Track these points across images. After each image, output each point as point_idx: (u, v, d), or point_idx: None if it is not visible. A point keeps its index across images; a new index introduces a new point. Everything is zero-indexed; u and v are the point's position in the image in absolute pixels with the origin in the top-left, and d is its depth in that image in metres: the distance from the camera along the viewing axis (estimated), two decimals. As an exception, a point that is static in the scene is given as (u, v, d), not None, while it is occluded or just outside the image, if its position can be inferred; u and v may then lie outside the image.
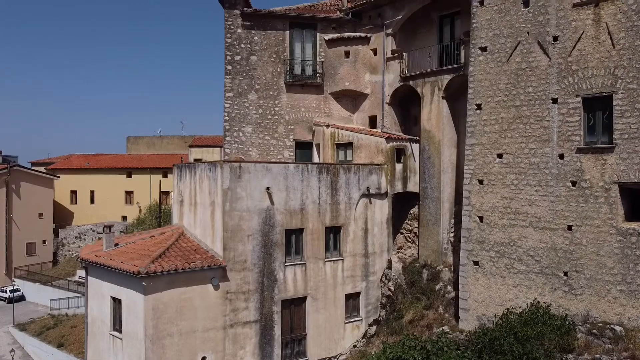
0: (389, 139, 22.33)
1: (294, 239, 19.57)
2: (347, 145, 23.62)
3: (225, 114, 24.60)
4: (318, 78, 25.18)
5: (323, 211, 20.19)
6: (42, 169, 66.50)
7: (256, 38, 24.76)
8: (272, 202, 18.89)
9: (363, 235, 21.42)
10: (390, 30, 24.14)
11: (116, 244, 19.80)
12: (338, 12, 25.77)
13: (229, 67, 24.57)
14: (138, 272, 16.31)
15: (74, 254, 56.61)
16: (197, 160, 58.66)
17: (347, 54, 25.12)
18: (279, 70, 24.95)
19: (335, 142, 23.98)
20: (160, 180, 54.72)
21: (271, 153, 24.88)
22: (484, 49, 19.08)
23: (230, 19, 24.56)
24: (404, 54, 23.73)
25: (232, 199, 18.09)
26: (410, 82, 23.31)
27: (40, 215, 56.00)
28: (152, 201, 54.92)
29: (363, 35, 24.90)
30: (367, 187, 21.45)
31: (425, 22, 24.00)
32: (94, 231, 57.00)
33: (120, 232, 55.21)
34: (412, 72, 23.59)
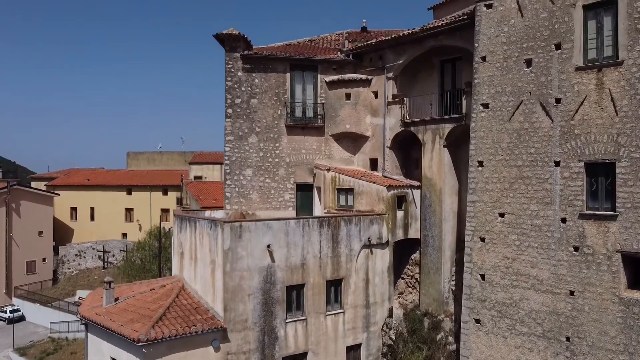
0: (390, 187, 22.23)
1: (294, 294, 19.50)
2: (348, 191, 23.53)
3: (226, 158, 24.50)
4: (319, 120, 25.09)
5: (324, 265, 20.11)
6: (42, 184, 66.58)
7: (257, 80, 24.65)
8: (272, 260, 18.80)
9: (364, 286, 21.34)
10: (391, 74, 24.03)
11: (116, 299, 19.71)
12: (339, 53, 25.65)
13: (230, 111, 24.47)
14: (138, 339, 16.23)
15: (74, 272, 56.75)
16: (197, 178, 58.78)
17: (348, 96, 25.01)
18: (279, 112, 24.85)
19: (337, 187, 23.90)
20: (161, 208, 54.68)
21: (272, 196, 24.80)
22: (486, 106, 18.97)
23: (230, 62, 24.45)
24: (405, 99, 23.63)
25: (233, 259, 18.01)
26: (412, 128, 23.21)
27: (40, 233, 56.04)
28: (152, 224, 54.86)
29: (364, 77, 24.79)
30: (369, 238, 21.36)
31: (427, 66, 23.90)
32: (93, 249, 57.05)
33: (121, 250, 55.34)
34: (414, 117, 23.52)
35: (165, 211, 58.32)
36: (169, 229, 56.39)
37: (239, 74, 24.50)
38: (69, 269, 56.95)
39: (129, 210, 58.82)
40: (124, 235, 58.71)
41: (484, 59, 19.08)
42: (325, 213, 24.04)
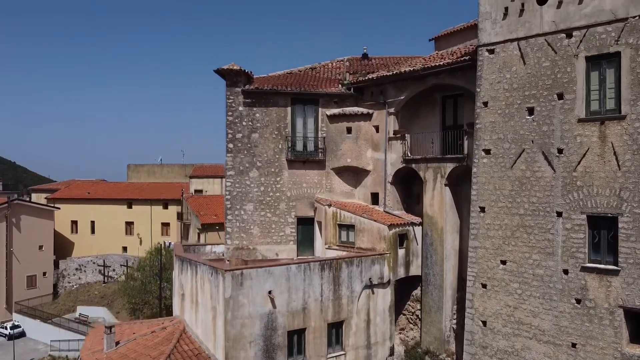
0: (391, 225, 22.18)
1: (296, 339, 19.45)
2: (350, 227, 23.48)
3: (227, 193, 24.46)
4: (320, 154, 25.03)
5: (325, 308, 20.06)
6: (42, 195, 66.55)
7: (257, 115, 24.60)
8: (274, 306, 18.76)
9: (365, 327, 21.31)
10: (392, 110, 23.98)
11: (117, 342, 19.68)
12: (339, 86, 25.56)
13: (231, 146, 24.42)
14: (139, 393, 16.20)
15: (75, 286, 56.74)
16: (198, 192, 58.73)
17: (349, 130, 24.96)
18: (280, 146, 24.79)
19: (338, 222, 23.85)
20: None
21: (273, 230, 24.75)
22: (487, 152, 18.92)
23: (231, 97, 24.39)
24: (406, 135, 23.58)
25: (234, 307, 17.96)
26: (413, 165, 23.17)
27: (40, 247, 56.05)
28: (152, 238, 54.91)
29: (365, 112, 24.73)
30: (370, 278, 21.32)
31: (428, 101, 23.85)
32: (94, 263, 57.06)
33: (121, 265, 55.28)
34: (415, 153, 23.50)
35: (165, 225, 58.35)
36: (170, 243, 56.46)
37: (240, 108, 24.44)
38: (69, 282, 56.94)
39: (129, 224, 58.77)
40: (124, 249, 58.68)
41: (485, 104, 19.02)
42: (326, 249, 24.01)
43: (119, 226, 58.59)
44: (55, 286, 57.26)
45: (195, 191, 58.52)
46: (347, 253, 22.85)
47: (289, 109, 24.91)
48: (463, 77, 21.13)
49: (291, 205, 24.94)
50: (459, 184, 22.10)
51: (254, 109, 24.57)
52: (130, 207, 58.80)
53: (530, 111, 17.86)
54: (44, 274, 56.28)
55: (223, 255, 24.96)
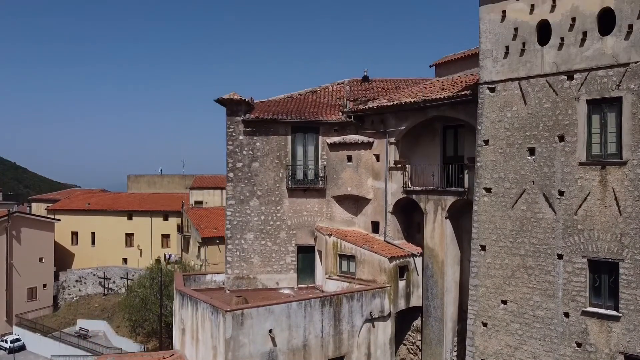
0: (392, 258, 22.17)
1: (296, 376, 19.45)
2: (350, 257, 23.47)
3: (227, 222, 24.44)
4: (320, 182, 25.01)
5: (326, 344, 20.06)
6: (43, 206, 66.54)
7: (258, 144, 24.57)
8: (274, 344, 18.76)
9: (366, 361, 21.30)
10: (392, 139, 23.94)
11: (118, 379, 19.68)
12: (340, 114, 25.53)
13: (231, 175, 24.40)
14: None
15: (75, 298, 56.79)
16: (198, 203, 58.75)
17: (349, 158, 24.94)
18: (281, 175, 24.77)
19: (338, 252, 23.83)
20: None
21: (273, 259, 24.74)
22: (488, 190, 18.90)
23: (232, 126, 24.37)
24: (406, 165, 23.55)
25: (235, 347, 17.95)
26: (413, 196, 23.15)
27: (40, 259, 56.05)
28: (152, 255, 55.01)
29: (365, 140, 24.71)
30: (370, 312, 21.31)
31: (429, 130, 23.82)
32: (94, 275, 57.13)
33: (121, 277, 55.29)
34: (415, 183, 23.50)
35: (166, 237, 58.35)
36: (170, 255, 56.49)
37: (240, 137, 24.42)
38: (70, 294, 56.95)
39: (129, 236, 58.74)
40: (125, 260, 58.69)
41: (486, 142, 18.99)
42: (326, 278, 24.00)
43: (119, 237, 58.57)
44: (55, 298, 57.27)
45: (196, 202, 58.56)
46: (347, 284, 22.87)
47: (289, 137, 24.88)
48: (464, 110, 21.10)
49: (291, 233, 24.92)
50: (460, 215, 22.09)
51: (255, 137, 24.55)
52: (130, 218, 58.76)
53: (531, 152, 17.84)
54: (44, 286, 56.29)
55: (223, 284, 24.95)
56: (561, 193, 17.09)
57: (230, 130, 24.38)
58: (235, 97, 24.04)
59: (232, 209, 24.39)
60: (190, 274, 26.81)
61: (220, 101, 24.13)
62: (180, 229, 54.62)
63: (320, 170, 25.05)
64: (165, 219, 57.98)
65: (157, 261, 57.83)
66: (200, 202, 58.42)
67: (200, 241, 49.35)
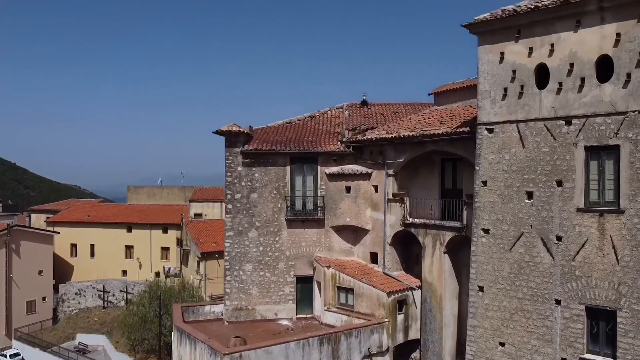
0: (390, 292, 22.18)
1: (294, 416, 19.47)
2: (349, 290, 23.50)
3: (226, 254, 24.46)
4: (319, 213, 25.01)
5: (324, 382, 20.08)
6: (42, 217, 66.56)
7: (257, 175, 24.58)
8: (273, 385, 18.78)
9: (364, 397, 21.32)
10: (391, 171, 23.95)
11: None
12: (339, 143, 25.52)
13: (230, 206, 24.41)
14: None
15: (74, 311, 56.76)
16: (197, 215, 58.72)
17: (348, 188, 24.95)
18: (279, 206, 24.77)
19: (337, 285, 23.85)
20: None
21: (272, 290, 24.75)
22: (486, 231, 18.90)
23: (230, 157, 24.38)
24: (405, 198, 23.56)
25: (233, 390, 17.98)
26: (412, 230, 23.17)
27: (40, 272, 55.95)
28: (152, 268, 55.04)
29: (364, 171, 24.72)
30: (369, 348, 21.34)
31: (427, 163, 23.81)
32: (93, 288, 57.09)
33: (121, 290, 55.28)
34: (414, 215, 23.52)
35: (165, 249, 58.39)
36: (169, 268, 56.49)
37: (239, 168, 24.42)
38: (69, 307, 56.92)
39: (129, 248, 58.77)
40: (124, 272, 58.73)
41: (484, 183, 19.00)
42: (325, 310, 24.01)
43: (119, 250, 58.60)
44: (54, 311, 57.22)
45: (195, 215, 58.53)
46: (346, 317, 22.91)
47: (288, 167, 24.89)
48: (462, 147, 21.09)
49: (290, 264, 24.93)
50: (459, 249, 22.10)
51: (253, 168, 24.55)
52: (129, 230, 58.80)
53: (530, 195, 17.84)
54: (44, 298, 56.22)
55: (222, 315, 24.94)
56: (559, 238, 17.09)
57: (229, 161, 24.38)
58: (234, 128, 24.05)
59: (230, 241, 24.39)
60: (188, 305, 26.81)
61: (219, 133, 24.13)
62: (179, 242, 54.61)
63: (318, 201, 25.06)
64: (165, 231, 58.02)
65: (157, 274, 57.98)
66: (200, 215, 58.41)
67: (200, 256, 49.33)
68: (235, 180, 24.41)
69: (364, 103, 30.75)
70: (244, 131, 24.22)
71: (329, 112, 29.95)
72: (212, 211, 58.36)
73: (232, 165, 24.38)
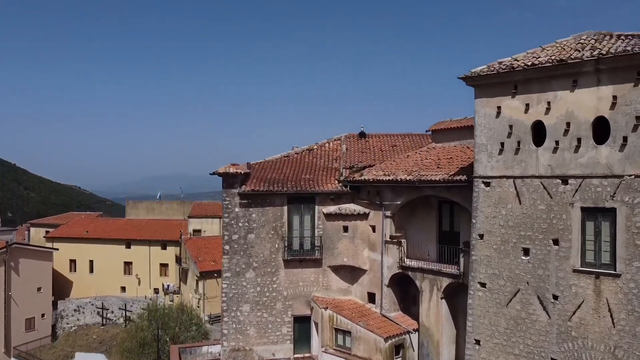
0: (387, 338, 22.18)
1: None
2: (346, 332, 23.49)
3: (223, 295, 24.46)
4: (316, 252, 25.00)
5: None
6: (41, 231, 66.58)
7: (254, 215, 24.56)
8: None
9: None
10: (389, 213, 23.93)
11: None
12: (336, 182, 25.50)
13: (227, 247, 24.40)
14: None
15: (73, 327, 56.85)
16: (196, 231, 58.79)
17: (345, 228, 24.95)
18: (277, 246, 24.76)
19: (334, 326, 23.84)
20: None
21: (269, 330, 24.74)
22: (483, 285, 18.90)
23: (228, 198, 24.36)
24: (402, 241, 23.56)
25: None
26: (409, 273, 23.18)
27: (39, 289, 55.93)
28: (151, 284, 55.05)
29: (361, 212, 24.72)
30: (366, 395, 21.34)
31: (425, 204, 23.79)
32: (92, 305, 57.11)
33: (120, 308, 55.31)
34: (412, 256, 23.53)
35: (164, 266, 58.44)
36: (168, 285, 56.52)
37: (236, 209, 24.41)
38: (68, 324, 56.96)
39: (127, 264, 58.84)
40: (123, 288, 58.82)
41: (481, 236, 18.99)
42: (323, 351, 24.01)
43: (118, 266, 58.69)
44: (53, 327, 57.24)
45: (194, 231, 58.61)
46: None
47: (285, 207, 24.87)
48: (459, 194, 21.07)
49: (288, 304, 24.93)
50: (456, 294, 22.09)
51: (251, 209, 24.53)
52: (128, 247, 58.87)
53: (526, 252, 17.83)
54: (43, 315, 56.22)
55: (220, 356, 24.95)
56: (555, 297, 17.08)
57: (227, 202, 24.37)
58: (231, 170, 24.05)
59: (227, 282, 24.39)
60: (186, 346, 26.84)
61: (217, 174, 24.13)
62: (178, 259, 54.65)
63: (316, 240, 25.05)
64: (164, 247, 58.09)
65: (156, 290, 58.07)
66: (199, 231, 58.48)
67: (199, 275, 49.42)
68: (233, 222, 24.39)
69: (362, 135, 30.72)
70: (241, 172, 24.21)
71: (327, 144, 29.93)
72: (211, 227, 58.40)
73: (230, 207, 24.36)
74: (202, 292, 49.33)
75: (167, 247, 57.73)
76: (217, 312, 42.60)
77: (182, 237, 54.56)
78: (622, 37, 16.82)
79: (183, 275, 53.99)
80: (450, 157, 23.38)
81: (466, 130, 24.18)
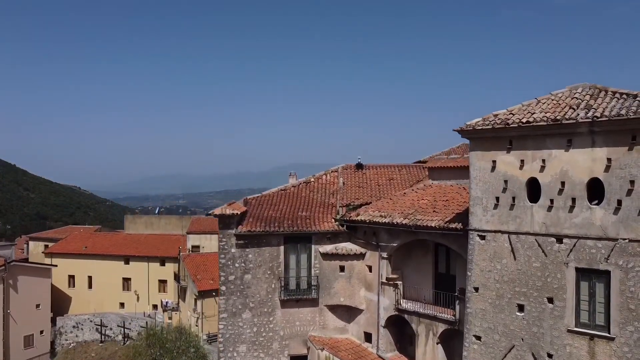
0: (383, 382, 22.23)
1: None
2: (342, 374, 23.52)
3: (220, 336, 24.48)
4: (313, 292, 25.02)
5: None
6: (40, 244, 66.59)
7: (250, 256, 24.57)
8: None
9: None
10: (385, 254, 23.95)
11: None
12: (333, 220, 25.51)
13: (223, 288, 24.42)
14: None
15: (72, 344, 56.90)
16: (195, 248, 58.77)
17: (342, 268, 24.98)
18: (273, 286, 24.78)
19: (330, 368, 23.87)
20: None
21: (266, 370, 24.78)
22: (478, 338, 18.93)
23: (224, 239, 24.36)
24: (398, 283, 23.58)
25: None
26: (405, 316, 23.20)
27: (37, 306, 55.93)
28: (149, 301, 55.07)
29: (358, 252, 24.75)
30: None
31: (421, 245, 23.77)
32: (91, 321, 57.16)
33: (118, 326, 55.33)
34: (408, 297, 23.54)
35: (163, 282, 58.44)
36: (167, 302, 56.51)
37: (233, 250, 24.41)
38: (67, 340, 57.02)
39: (126, 280, 58.85)
40: (122, 304, 58.83)
41: (476, 289, 19.01)
42: (319, 392, 24.04)
43: (116, 282, 58.71)
44: (52, 344, 57.30)
45: (193, 247, 58.58)
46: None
47: (281, 247, 24.89)
48: (455, 241, 21.06)
49: (284, 344, 24.95)
50: (452, 338, 22.09)
51: (247, 249, 24.53)
52: (127, 263, 58.86)
53: (521, 308, 17.85)
54: (41, 332, 56.21)
55: (216, 396, 25.01)
56: (550, 355, 17.12)
57: (223, 243, 24.37)
58: (228, 211, 24.05)
59: (224, 322, 24.40)
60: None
61: (213, 216, 24.16)
62: (176, 277, 54.63)
63: (313, 280, 25.06)
64: (162, 264, 58.07)
65: (155, 306, 58.08)
66: (197, 247, 58.45)
67: (197, 294, 49.38)
68: (229, 262, 24.40)
69: (359, 166, 30.74)
70: (237, 213, 24.20)
71: (324, 176, 29.95)
72: (210, 243, 58.27)
73: (226, 247, 24.36)
74: (200, 311, 49.30)
75: (166, 264, 57.70)
76: (215, 332, 42.64)
77: (181, 254, 54.52)
78: (617, 96, 16.85)
79: (182, 293, 53.96)
80: (447, 200, 23.38)
81: (462, 171, 24.16)
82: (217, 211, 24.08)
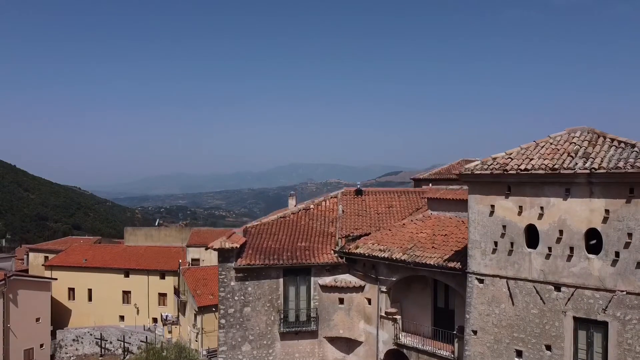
0: (382, 418, 22.30)
1: None
2: (341, 408, 23.60)
3: (219, 369, 24.55)
4: (312, 324, 25.08)
5: None
6: (40, 255, 66.65)
7: (250, 289, 24.62)
8: None
9: None
10: (384, 288, 24.01)
11: None
12: (332, 252, 25.56)
13: (223, 321, 24.48)
14: None
15: (72, 357, 56.96)
16: (195, 261, 58.86)
17: (341, 300, 25.03)
18: (272, 319, 24.84)
19: (329, 401, 23.95)
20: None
21: (265, 403, 24.85)
22: (477, 382, 18.99)
23: (224, 272, 24.42)
24: (397, 317, 23.65)
25: None
26: (404, 351, 23.25)
27: (37, 319, 55.98)
28: (149, 314, 55.15)
29: (357, 284, 24.79)
30: None
31: (420, 280, 23.85)
32: (91, 335, 57.32)
33: (118, 340, 55.44)
34: (407, 329, 23.62)
35: (162, 295, 58.52)
36: (167, 315, 56.61)
37: (232, 283, 24.47)
38: (67, 353, 57.17)
39: (126, 293, 58.95)
40: (122, 317, 58.92)
41: (475, 332, 19.06)
42: None
43: (116, 295, 58.81)
44: (52, 357, 57.41)
45: (192, 260, 58.68)
46: None
47: (281, 280, 24.94)
48: (453, 279, 21.13)
49: (283, 376, 25.02)
50: (450, 374, 22.18)
51: (246, 282, 24.59)
52: (127, 276, 58.95)
53: (519, 354, 17.91)
54: (41, 345, 56.25)
55: None
56: (548, 404, 17.17)
57: (222, 276, 24.43)
58: (227, 245, 24.10)
59: (224, 355, 24.46)
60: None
61: (212, 249, 24.20)
62: (176, 291, 54.72)
63: (312, 312, 25.12)
64: (162, 277, 58.16)
65: (154, 320, 58.18)
66: (197, 260, 58.56)
67: (197, 309, 49.48)
68: (229, 295, 24.46)
69: (359, 192, 30.79)
70: (236, 247, 24.24)
71: (324, 203, 29.99)
72: (210, 256, 58.27)
73: (225, 280, 24.42)
74: (200, 326, 49.40)
75: (166, 277, 57.79)
76: (215, 347, 42.75)
77: (181, 267, 54.59)
78: (615, 144, 16.89)
79: (181, 307, 54.06)
80: (446, 234, 23.43)
81: (461, 203, 24.21)
82: (217, 245, 24.12)
